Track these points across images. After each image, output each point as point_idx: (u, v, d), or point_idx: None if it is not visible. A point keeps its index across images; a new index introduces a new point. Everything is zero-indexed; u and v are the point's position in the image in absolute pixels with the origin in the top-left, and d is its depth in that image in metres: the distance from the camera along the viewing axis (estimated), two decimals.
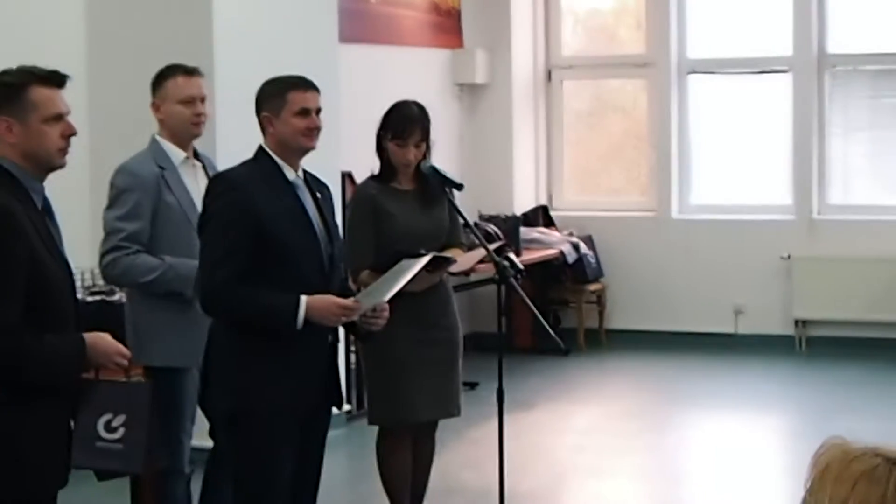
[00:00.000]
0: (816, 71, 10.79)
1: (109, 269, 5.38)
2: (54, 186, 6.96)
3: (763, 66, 11.05)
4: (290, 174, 4.72)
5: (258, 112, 4.80)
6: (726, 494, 7.28)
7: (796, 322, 10.72)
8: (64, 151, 4.02)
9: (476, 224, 8.33)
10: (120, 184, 5.43)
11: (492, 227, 10.00)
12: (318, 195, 4.81)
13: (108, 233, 5.38)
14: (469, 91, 11.23)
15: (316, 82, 8.20)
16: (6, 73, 4.02)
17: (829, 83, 10.85)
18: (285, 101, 4.74)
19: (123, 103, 7.62)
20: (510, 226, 10.37)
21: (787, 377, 10.04)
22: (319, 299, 4.57)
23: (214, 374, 4.70)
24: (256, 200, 4.58)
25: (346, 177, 8.45)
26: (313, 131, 4.76)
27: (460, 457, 7.63)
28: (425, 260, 5.19)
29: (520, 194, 11.33)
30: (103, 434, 4.10)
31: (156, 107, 5.53)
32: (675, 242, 11.09)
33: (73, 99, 7.51)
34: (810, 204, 10.79)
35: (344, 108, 8.32)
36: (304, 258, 4.65)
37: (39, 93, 3.94)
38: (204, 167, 5.60)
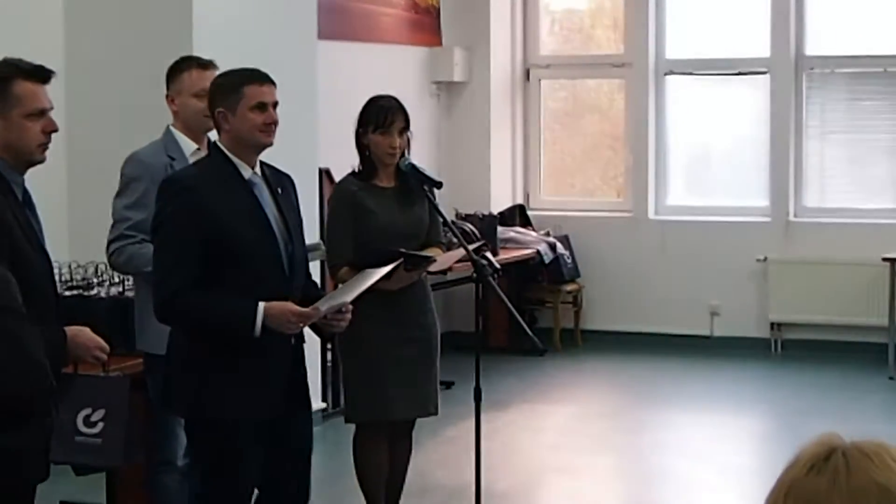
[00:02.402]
0: (794, 73, 10.81)
1: (115, 257, 5.40)
2: (32, 181, 6.92)
3: (740, 68, 11.06)
4: (245, 172, 4.62)
5: (212, 108, 4.66)
6: (700, 495, 7.29)
7: (772, 325, 10.74)
8: (44, 147, 4.00)
9: (453, 222, 8.31)
10: (128, 172, 5.44)
11: (468, 226, 9.99)
12: (279, 191, 4.71)
13: (116, 221, 5.41)
14: (447, 89, 11.22)
15: (294, 79, 8.22)
16: None
17: (806, 85, 10.88)
18: (241, 95, 4.59)
19: (102, 98, 7.60)
20: (487, 225, 10.36)
21: (762, 379, 10.05)
22: (276, 306, 4.48)
23: (174, 380, 4.64)
24: (210, 202, 4.48)
25: (325, 174, 8.44)
26: (271, 126, 4.63)
27: (436, 455, 7.62)
28: (389, 267, 5.17)
29: (497, 193, 11.32)
30: (82, 429, 4.07)
31: (170, 99, 5.52)
32: (651, 243, 11.10)
33: (51, 93, 7.47)
34: (786, 206, 10.81)
35: (322, 105, 8.31)
36: (262, 260, 4.56)
37: (23, 87, 3.92)
38: None
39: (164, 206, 4.56)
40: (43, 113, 3.96)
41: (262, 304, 4.45)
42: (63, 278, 5.80)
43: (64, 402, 4.00)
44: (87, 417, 4.09)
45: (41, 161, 4.05)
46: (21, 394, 3.57)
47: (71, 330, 3.97)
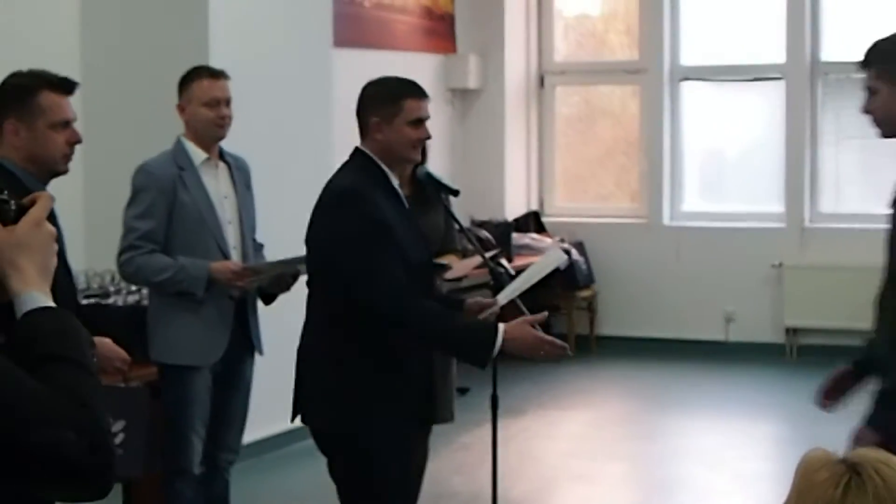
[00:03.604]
0: (809, 79, 10.81)
1: (125, 267, 5.43)
2: (48, 189, 6.94)
3: (756, 74, 11.07)
4: (394, 181, 4.57)
5: (365, 113, 4.51)
6: (716, 501, 7.28)
7: (787, 330, 10.73)
8: (68, 158, 4.04)
9: (468, 229, 8.32)
10: (137, 183, 5.48)
11: (483, 233, 10.00)
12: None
13: (125, 231, 5.45)
14: (461, 96, 11.23)
15: (310, 86, 8.25)
16: (17, 75, 4.02)
17: (821, 91, 10.87)
18: (400, 108, 4.49)
19: (118, 107, 7.63)
20: (502, 231, 10.36)
21: (778, 385, 10.03)
22: (515, 329, 4.48)
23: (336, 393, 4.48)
24: (383, 212, 4.39)
25: None
26: (420, 143, 4.58)
27: (451, 462, 7.63)
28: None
29: (511, 200, 11.33)
30: None
31: (181, 108, 5.55)
32: (665, 249, 11.10)
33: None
34: (802, 212, 10.80)
35: (337, 113, 8.32)
36: (418, 269, 4.56)
37: (49, 98, 3.96)
38: (229, 167, 5.61)
39: (343, 216, 4.38)
40: (67, 124, 4.01)
41: (501, 326, 4.41)
42: (80, 286, 5.83)
43: None
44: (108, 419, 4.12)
45: (64, 172, 4.09)
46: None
47: (94, 341, 4.02)
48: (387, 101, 4.50)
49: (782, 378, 10.21)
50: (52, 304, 2.12)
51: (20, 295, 2.10)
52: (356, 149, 4.57)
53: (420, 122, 4.52)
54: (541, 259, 4.93)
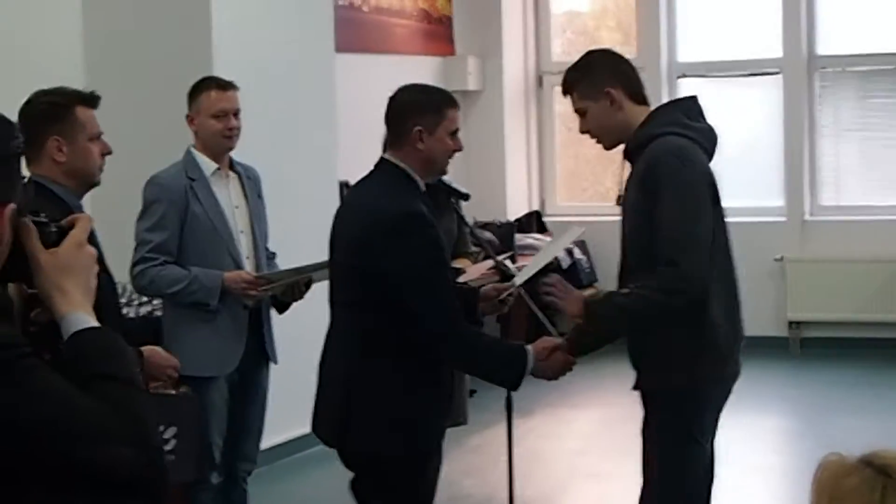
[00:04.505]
0: (806, 72, 10.85)
1: (139, 280, 5.47)
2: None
3: (753, 69, 11.11)
4: (422, 188, 4.54)
5: (405, 121, 4.39)
6: (726, 495, 7.29)
7: (790, 323, 10.77)
8: (101, 169, 4.13)
9: (479, 232, 8.37)
10: (148, 195, 5.52)
11: (487, 234, 10.03)
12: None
13: (138, 244, 5.49)
14: (461, 98, 11.24)
15: (313, 92, 8.26)
16: (51, 93, 4.10)
17: (819, 84, 10.92)
18: (444, 117, 4.40)
19: (124, 119, 7.62)
20: (505, 232, 10.40)
21: (783, 378, 10.07)
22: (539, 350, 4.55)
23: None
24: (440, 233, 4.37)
25: (344, 186, 8.48)
26: (454, 154, 4.54)
27: (463, 464, 7.66)
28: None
29: (513, 200, 11.36)
30: None
31: (190, 119, 5.59)
32: None
33: None
34: (802, 205, 10.85)
35: (340, 118, 8.37)
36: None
37: (84, 113, 4.05)
38: (240, 177, 5.65)
39: (412, 242, 4.27)
40: (99, 136, 4.09)
41: (530, 348, 4.44)
42: None
43: None
44: (160, 434, 4.19)
45: (99, 183, 4.20)
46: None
47: (147, 350, 4.09)
48: (430, 110, 4.39)
49: (786, 371, 10.25)
50: (97, 324, 2.17)
51: (66, 316, 2.14)
52: (384, 159, 4.45)
53: (456, 132, 4.48)
54: (556, 237, 4.99)
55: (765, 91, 11.11)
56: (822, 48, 10.88)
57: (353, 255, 4.31)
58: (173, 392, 4.32)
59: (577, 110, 4.52)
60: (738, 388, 9.57)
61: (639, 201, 4.34)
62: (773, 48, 10.95)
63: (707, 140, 4.52)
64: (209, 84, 5.64)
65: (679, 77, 11.27)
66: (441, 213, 5.75)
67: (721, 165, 11.53)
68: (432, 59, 10.85)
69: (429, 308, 4.23)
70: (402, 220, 4.27)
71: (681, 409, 4.48)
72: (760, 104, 11.23)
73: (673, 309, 4.30)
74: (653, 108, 4.56)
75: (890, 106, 10.82)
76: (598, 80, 4.46)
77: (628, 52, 11.50)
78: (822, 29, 10.88)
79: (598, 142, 4.55)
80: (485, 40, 11.29)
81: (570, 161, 11.86)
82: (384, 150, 5.68)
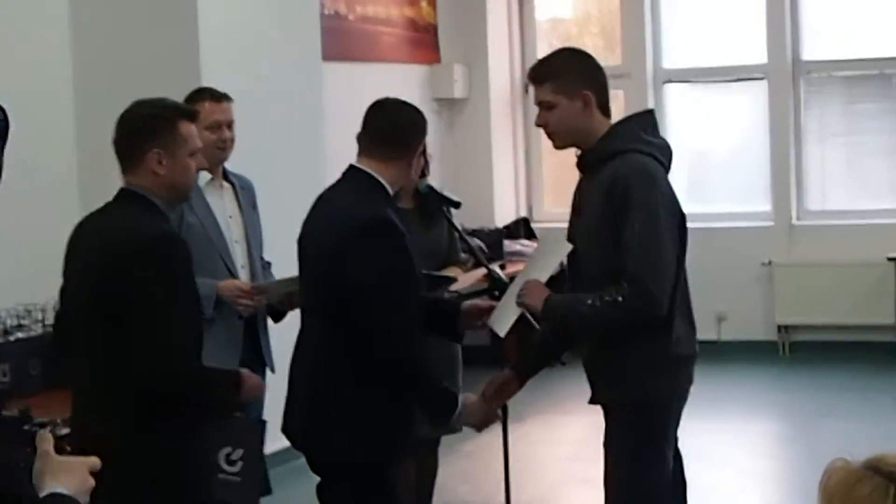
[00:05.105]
0: (791, 78, 10.88)
1: None
2: (45, 214, 7.00)
3: (738, 75, 11.14)
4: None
5: (404, 140, 4.45)
6: (713, 499, 7.32)
7: (779, 327, 10.79)
8: (194, 185, 4.17)
9: (470, 239, 8.37)
10: None
11: (476, 241, 10.03)
12: None
13: None
14: (448, 106, 11.27)
15: (301, 101, 8.27)
16: (153, 105, 4.09)
17: (804, 90, 10.95)
18: (420, 142, 4.50)
19: (112, 126, 7.63)
20: (494, 239, 10.41)
21: (772, 382, 10.10)
22: None
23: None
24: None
25: None
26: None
27: (457, 471, 7.66)
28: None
29: (501, 207, 11.38)
30: (224, 467, 4.19)
31: None
32: None
33: (60, 118, 7.55)
34: (789, 210, 10.87)
35: (328, 126, 8.37)
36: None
37: (186, 127, 4.05)
38: (234, 187, 5.66)
39: (384, 247, 4.26)
40: (197, 152, 4.09)
41: (461, 399, 4.46)
42: None
43: (206, 441, 4.13)
44: (227, 456, 4.22)
45: (189, 199, 4.25)
46: None
47: (244, 371, 4.20)
48: (417, 132, 4.50)
49: (776, 375, 10.27)
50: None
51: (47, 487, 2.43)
52: (354, 167, 4.45)
53: (424, 150, 4.57)
54: (539, 256, 4.81)
55: (750, 96, 11.13)
56: (808, 53, 10.91)
57: (325, 261, 4.30)
58: (239, 415, 4.33)
59: (542, 102, 4.48)
60: (728, 392, 9.69)
61: (601, 216, 4.35)
62: (758, 54, 10.98)
63: (664, 156, 4.51)
64: (203, 95, 5.66)
65: (664, 83, 11.29)
66: (432, 221, 5.77)
67: (708, 171, 11.66)
68: (418, 68, 10.87)
69: (388, 317, 4.23)
70: (374, 225, 4.27)
71: (643, 423, 4.47)
72: (746, 110, 11.25)
73: (630, 326, 4.33)
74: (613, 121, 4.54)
75: (875, 111, 10.86)
76: (579, 80, 4.45)
77: (612, 59, 11.58)
78: (807, 34, 10.91)
79: (551, 138, 4.54)
80: (470, 48, 11.31)
81: (556, 167, 11.87)
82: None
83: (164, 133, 4.02)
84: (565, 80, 4.44)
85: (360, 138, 4.49)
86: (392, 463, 4.46)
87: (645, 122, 4.57)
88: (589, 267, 4.44)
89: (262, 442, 4.27)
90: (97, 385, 3.92)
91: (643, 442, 4.48)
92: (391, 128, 4.44)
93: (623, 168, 4.32)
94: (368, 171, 4.38)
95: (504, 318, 4.62)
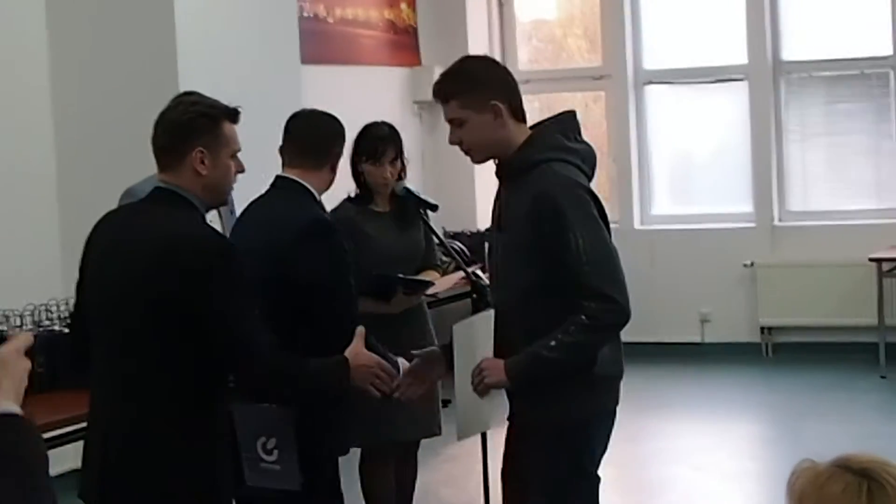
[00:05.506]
0: (772, 78, 10.87)
1: None
2: (23, 218, 6.96)
3: (719, 75, 11.12)
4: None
5: (317, 149, 4.74)
6: (697, 501, 7.32)
7: (762, 329, 10.78)
8: (232, 188, 4.08)
9: (448, 243, 8.35)
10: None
11: (457, 244, 10.01)
12: None
13: None
14: (428, 108, 11.23)
15: (280, 104, 8.22)
16: (197, 102, 3.99)
17: (784, 90, 10.94)
18: (341, 150, 4.83)
19: (89, 131, 7.61)
20: (475, 242, 10.37)
21: (755, 383, 10.10)
22: None
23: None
24: None
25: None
26: None
27: (439, 474, 7.63)
28: None
29: (483, 210, 11.32)
30: (263, 456, 4.20)
31: None
32: (638, 253, 11.09)
33: (38, 131, 7.51)
34: (771, 211, 10.86)
35: None
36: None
37: (229, 128, 3.97)
38: None
39: (330, 246, 4.48)
40: (237, 154, 4.02)
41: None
42: (61, 315, 5.81)
43: (242, 430, 4.18)
44: (264, 445, 4.26)
45: (227, 203, 4.16)
46: None
47: (351, 354, 4.14)
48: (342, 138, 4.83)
49: (759, 377, 10.27)
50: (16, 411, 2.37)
51: None
52: (281, 177, 4.67)
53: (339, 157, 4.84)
54: (457, 342, 4.38)
55: (731, 97, 11.12)
56: (788, 54, 10.90)
57: (265, 265, 4.30)
58: (268, 404, 4.28)
59: (451, 119, 4.28)
60: (711, 393, 9.67)
61: (528, 235, 4.14)
62: (738, 54, 10.96)
63: (587, 161, 4.30)
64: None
65: (645, 84, 11.27)
66: (409, 224, 5.75)
67: (689, 172, 11.63)
68: (398, 70, 10.84)
69: (333, 310, 4.36)
70: (316, 225, 4.44)
71: (566, 447, 4.25)
72: (727, 111, 11.24)
73: (605, 344, 4.21)
74: (530, 125, 4.31)
75: (856, 110, 10.86)
76: (486, 91, 4.21)
77: (594, 60, 11.58)
78: (787, 35, 10.90)
79: (468, 154, 4.34)
80: (450, 50, 11.24)
81: None
82: (352, 166, 5.73)
83: (209, 132, 3.93)
84: (471, 94, 4.21)
85: (283, 149, 4.68)
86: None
87: (567, 127, 4.33)
88: (512, 283, 4.24)
89: (293, 429, 4.26)
90: (142, 381, 3.82)
91: (569, 469, 4.26)
92: (311, 137, 4.60)
93: (547, 185, 4.12)
94: (295, 178, 4.52)
95: (471, 422, 4.46)
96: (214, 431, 3.84)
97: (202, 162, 3.90)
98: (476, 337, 4.29)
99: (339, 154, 4.66)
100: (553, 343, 4.07)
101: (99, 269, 3.97)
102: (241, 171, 4.09)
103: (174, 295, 3.72)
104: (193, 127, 3.92)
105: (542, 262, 4.12)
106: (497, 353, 4.23)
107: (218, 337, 3.75)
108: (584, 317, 4.07)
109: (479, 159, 4.39)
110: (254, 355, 3.79)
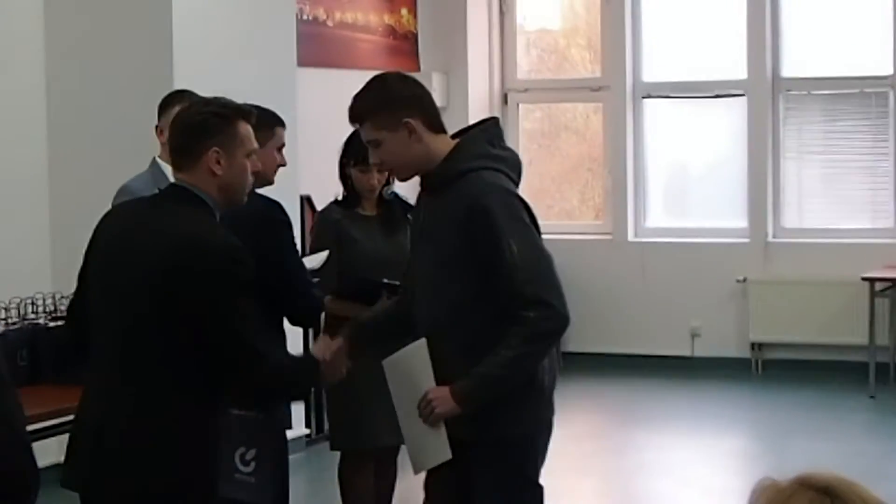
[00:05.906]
0: (771, 94, 10.87)
1: None
2: (14, 213, 6.95)
3: (717, 90, 11.12)
4: None
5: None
6: None
7: (752, 345, 10.76)
8: (248, 187, 4.04)
9: None
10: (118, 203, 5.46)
11: None
12: None
13: None
14: None
15: (275, 106, 8.21)
16: (212, 103, 3.97)
17: (783, 107, 10.94)
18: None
19: (83, 129, 7.60)
20: None
21: (744, 400, 10.09)
22: None
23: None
24: None
25: (305, 201, 8.45)
26: None
27: (418, 480, 7.59)
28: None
29: None
30: (239, 467, 4.16)
31: (160, 131, 5.55)
32: (630, 265, 11.12)
33: (32, 126, 7.52)
34: (765, 227, 10.85)
35: (302, 133, 8.32)
36: None
37: (245, 128, 3.94)
38: None
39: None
40: (252, 154, 3.99)
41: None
42: (47, 309, 5.81)
43: (224, 439, 3.99)
44: (242, 455, 4.21)
45: (243, 202, 4.06)
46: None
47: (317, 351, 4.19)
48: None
49: (748, 393, 10.26)
50: None
51: None
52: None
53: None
54: (392, 381, 4.39)
55: (729, 113, 11.12)
56: (787, 70, 10.90)
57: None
58: (253, 414, 4.25)
59: (369, 141, 4.21)
60: (698, 408, 9.66)
61: (458, 245, 4.08)
62: (737, 70, 10.96)
63: (513, 169, 4.25)
64: (181, 97, 5.60)
65: (644, 97, 11.27)
66: (395, 228, 5.74)
67: (685, 186, 11.62)
68: None
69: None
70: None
71: (517, 457, 4.21)
72: (725, 126, 11.25)
73: (548, 352, 4.18)
74: (452, 133, 4.26)
75: (854, 128, 10.85)
76: (397, 110, 4.12)
77: (595, 72, 11.57)
78: (787, 51, 10.90)
79: (392, 173, 4.40)
80: (450, 57, 11.28)
81: (535, 178, 11.83)
82: (339, 169, 5.72)
83: (224, 132, 3.92)
84: (382, 114, 4.13)
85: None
86: None
87: (491, 134, 4.26)
88: (441, 297, 4.16)
89: (276, 444, 4.22)
90: (143, 373, 3.79)
91: (517, 484, 4.21)
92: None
93: (478, 194, 4.07)
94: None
95: (427, 455, 4.32)
96: (213, 428, 3.83)
97: (218, 162, 3.89)
98: (412, 368, 4.20)
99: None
100: (498, 359, 4.04)
101: (106, 259, 3.95)
102: (257, 171, 4.06)
103: (179, 294, 3.72)
104: (206, 127, 3.91)
105: (474, 272, 4.08)
106: (434, 373, 4.14)
107: (219, 340, 3.75)
108: (524, 327, 4.04)
109: (403, 177, 4.36)
110: (254, 361, 3.79)
